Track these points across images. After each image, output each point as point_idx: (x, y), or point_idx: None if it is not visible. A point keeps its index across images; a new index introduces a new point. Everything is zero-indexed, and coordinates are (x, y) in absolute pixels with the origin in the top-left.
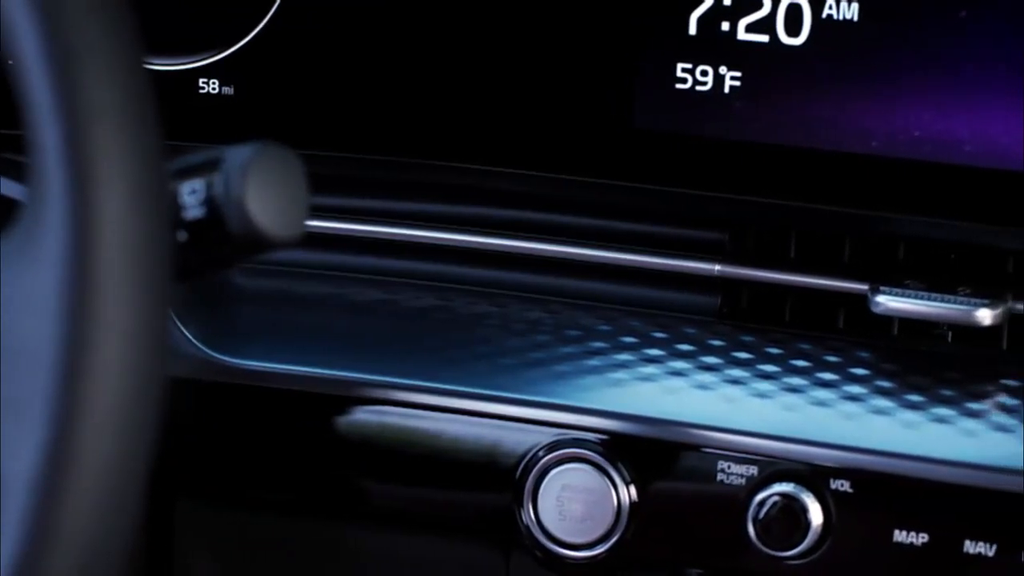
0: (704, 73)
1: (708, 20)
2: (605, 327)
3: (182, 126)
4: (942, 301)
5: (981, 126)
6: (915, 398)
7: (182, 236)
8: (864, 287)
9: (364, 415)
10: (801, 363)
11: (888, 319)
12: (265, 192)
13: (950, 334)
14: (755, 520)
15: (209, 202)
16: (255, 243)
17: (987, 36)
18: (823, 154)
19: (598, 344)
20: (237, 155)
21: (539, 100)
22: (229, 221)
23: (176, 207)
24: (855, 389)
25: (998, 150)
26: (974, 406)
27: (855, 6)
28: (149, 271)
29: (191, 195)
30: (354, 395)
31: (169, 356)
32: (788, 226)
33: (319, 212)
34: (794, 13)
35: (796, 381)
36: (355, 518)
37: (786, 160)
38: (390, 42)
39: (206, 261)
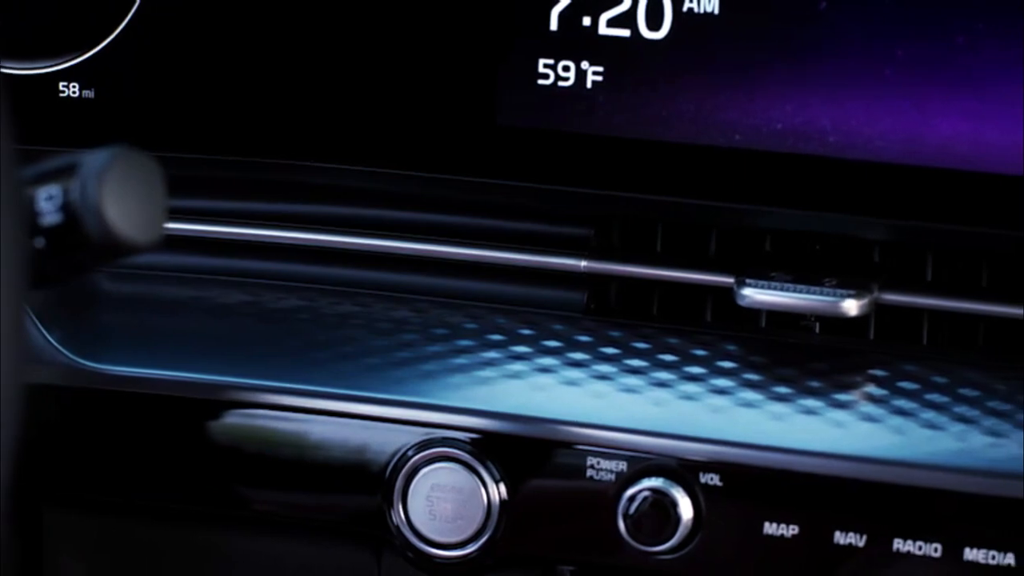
0: (566, 68)
1: (569, 15)
2: (472, 325)
3: (43, 130)
4: (808, 293)
5: (843, 117)
6: (783, 390)
7: (39, 242)
8: (730, 280)
9: (231, 418)
10: (669, 357)
11: (756, 311)
12: (122, 196)
13: (817, 325)
14: (625, 516)
15: (66, 208)
16: (114, 248)
17: (846, 27)
18: (687, 147)
19: (465, 342)
20: (94, 160)
21: (401, 98)
22: (87, 226)
23: (33, 213)
24: (723, 382)
25: (861, 141)
26: (842, 397)
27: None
28: (6, 278)
29: (48, 201)
30: (220, 399)
31: (30, 363)
32: (654, 220)
33: (179, 215)
34: (655, 7)
35: (664, 376)
36: (226, 521)
37: (650, 154)
38: (249, 42)
39: (65, 267)
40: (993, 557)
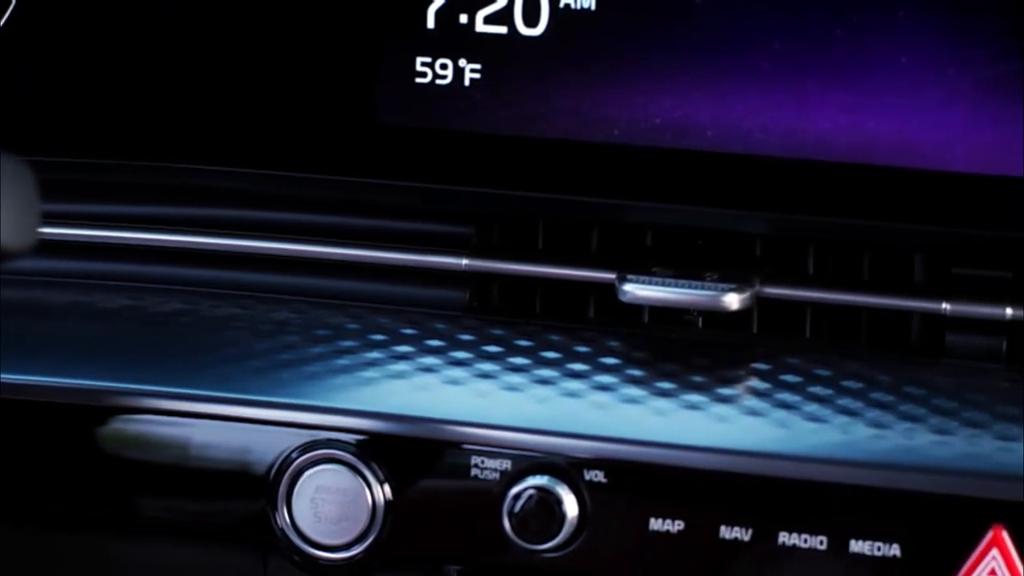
0: (444, 67)
1: (446, 13)
2: (354, 325)
3: None
4: (689, 288)
5: (722, 111)
6: (666, 385)
7: None
8: (612, 276)
9: (114, 424)
10: (552, 355)
11: (638, 307)
12: None
13: (700, 320)
14: (511, 514)
15: None
16: None
17: (723, 21)
18: (566, 144)
19: (347, 343)
20: None
21: (280, 99)
22: None
23: None
24: (606, 379)
25: (740, 134)
26: (725, 391)
27: None
28: None
29: None
30: (102, 404)
31: None
32: (535, 217)
33: (54, 219)
34: (532, 4)
35: (547, 373)
36: (111, 527)
37: (529, 151)
38: (123, 45)
39: None
40: (879, 548)
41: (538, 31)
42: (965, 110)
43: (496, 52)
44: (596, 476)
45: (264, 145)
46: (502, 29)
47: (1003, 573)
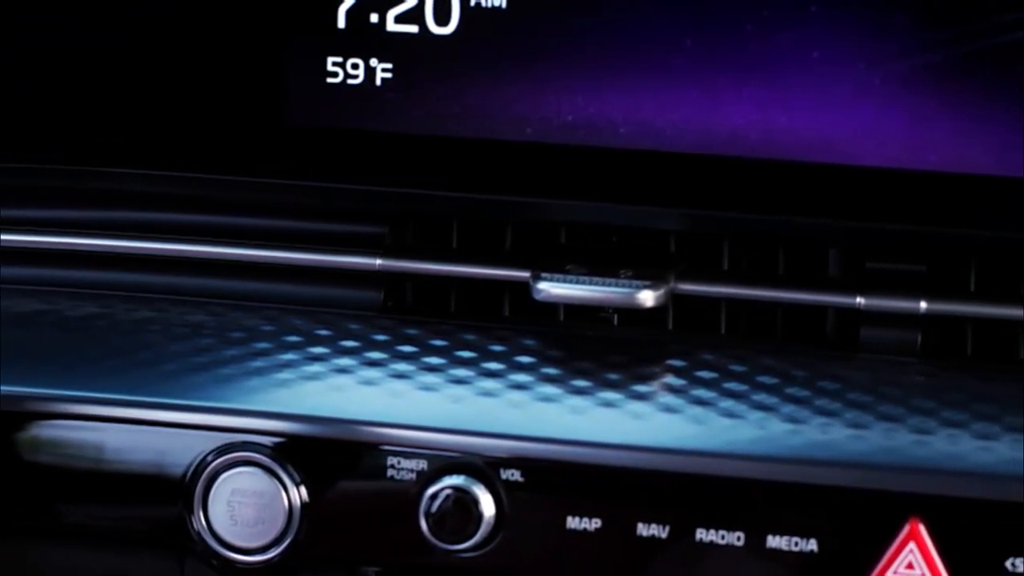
0: (355, 67)
1: (356, 13)
2: (268, 327)
3: None
4: (603, 285)
5: (634, 108)
6: (582, 383)
7: None
8: (526, 274)
9: (29, 430)
10: (467, 354)
11: (553, 305)
12: None
13: (615, 317)
14: (427, 514)
15: None
16: None
17: (634, 18)
18: (478, 142)
19: (262, 345)
20: None
21: (190, 101)
22: None
23: None
24: (521, 377)
25: (652, 131)
26: (640, 388)
27: None
28: None
29: None
30: (17, 410)
31: None
32: (449, 217)
33: None
34: (443, 2)
35: (462, 372)
36: (27, 532)
37: (442, 150)
38: (40, 50)
39: None
40: (796, 544)
41: (449, 30)
42: (876, 104)
43: (407, 51)
44: (513, 475)
45: (175, 147)
46: (413, 28)
47: (920, 566)
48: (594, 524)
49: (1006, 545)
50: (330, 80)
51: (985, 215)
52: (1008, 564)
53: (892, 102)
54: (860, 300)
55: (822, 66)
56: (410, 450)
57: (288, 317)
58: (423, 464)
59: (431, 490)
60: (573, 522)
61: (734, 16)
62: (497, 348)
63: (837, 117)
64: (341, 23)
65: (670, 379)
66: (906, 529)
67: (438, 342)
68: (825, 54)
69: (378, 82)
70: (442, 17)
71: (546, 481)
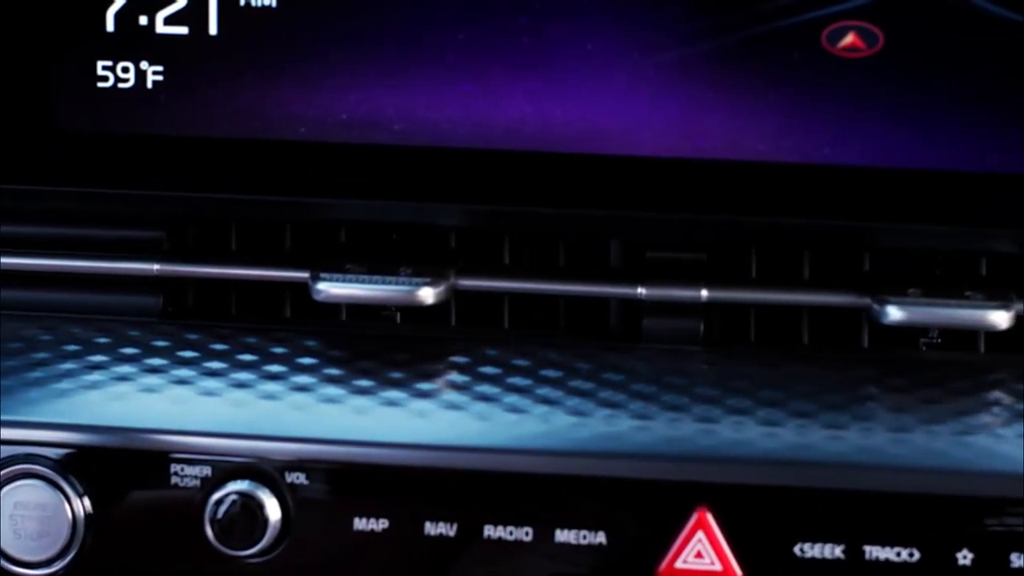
0: (125, 70)
1: (125, 15)
2: (47, 336)
3: None
4: (383, 283)
5: (408, 104)
6: (365, 383)
7: None
8: (305, 275)
9: None
10: (248, 357)
11: (336, 304)
12: None
13: (398, 315)
14: (213, 521)
15: None
16: None
17: (406, 13)
18: (253, 143)
19: (41, 355)
20: None
21: None
22: None
23: None
24: (304, 379)
25: (427, 127)
26: (424, 386)
27: None
28: None
29: None
30: None
31: None
32: (227, 219)
33: None
34: (212, 3)
35: (244, 376)
36: None
37: (217, 152)
38: None
39: None
40: (584, 537)
41: (219, 31)
42: (650, 94)
43: (178, 53)
44: (298, 478)
45: None
46: (183, 30)
47: (709, 555)
48: (381, 525)
49: (794, 531)
50: (101, 84)
51: (762, 202)
52: (797, 550)
53: (666, 92)
54: (641, 290)
55: (596, 57)
56: (193, 456)
57: (67, 326)
58: (207, 470)
59: (216, 496)
60: (360, 523)
61: (507, 9)
62: (279, 350)
63: (612, 108)
64: (110, 26)
65: (454, 376)
66: (694, 518)
67: (219, 346)
68: (599, 45)
69: (149, 85)
70: (212, 18)
71: (331, 483)
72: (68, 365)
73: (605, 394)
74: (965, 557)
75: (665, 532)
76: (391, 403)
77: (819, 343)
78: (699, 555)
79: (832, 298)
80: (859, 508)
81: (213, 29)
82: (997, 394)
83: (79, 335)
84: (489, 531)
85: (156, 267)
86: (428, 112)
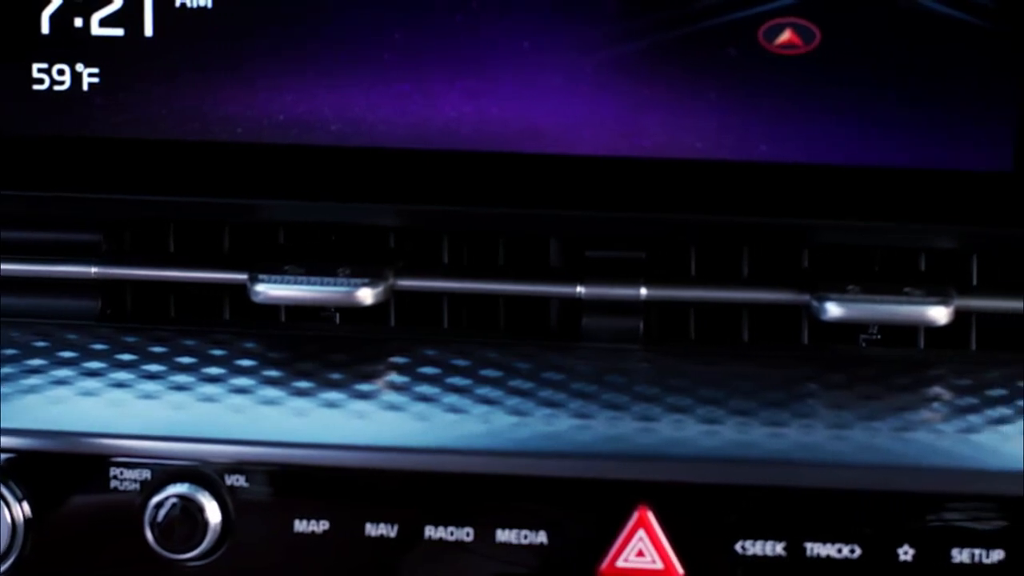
0: (61, 72)
1: (60, 17)
2: None
3: None
4: (322, 284)
5: (345, 105)
6: (304, 384)
7: None
8: (244, 276)
9: None
10: (187, 360)
11: (275, 306)
12: None
13: (338, 316)
14: (153, 524)
15: None
16: None
17: (342, 14)
18: (191, 145)
19: None
20: None
21: None
22: None
23: None
24: (243, 381)
25: (364, 127)
26: (364, 387)
27: None
28: None
29: None
30: None
31: None
32: (165, 221)
33: None
34: (148, 5)
35: (183, 379)
36: None
37: (154, 154)
38: None
39: None
40: (525, 537)
41: (155, 32)
42: (588, 93)
43: (114, 55)
44: (237, 481)
45: None
46: (118, 32)
47: (650, 552)
48: (322, 526)
49: (736, 528)
50: (36, 87)
51: (700, 199)
52: (738, 547)
53: (604, 90)
54: (581, 289)
55: (533, 56)
56: (133, 460)
57: (4, 330)
58: (146, 474)
59: (155, 500)
60: (301, 525)
61: (444, 8)
62: (218, 352)
63: (550, 107)
64: (45, 28)
65: (393, 376)
66: (634, 517)
67: (158, 349)
68: (535, 44)
69: (85, 87)
70: (148, 19)
71: (272, 485)
72: (6, 369)
73: (545, 393)
74: (906, 553)
75: (606, 531)
76: (331, 404)
77: (759, 340)
78: (640, 553)
79: (771, 295)
80: (800, 505)
81: (149, 30)
82: (936, 390)
83: (17, 339)
84: (430, 532)
85: (94, 270)
86: (365, 112)
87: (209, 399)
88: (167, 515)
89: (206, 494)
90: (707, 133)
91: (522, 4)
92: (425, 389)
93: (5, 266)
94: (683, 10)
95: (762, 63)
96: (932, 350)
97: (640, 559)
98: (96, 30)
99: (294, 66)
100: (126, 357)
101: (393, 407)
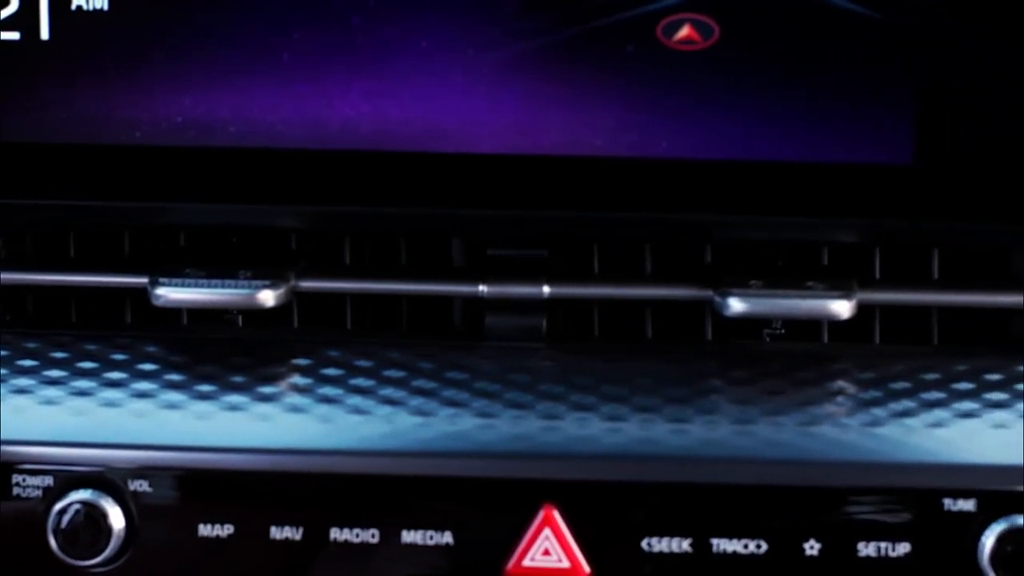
0: None
1: None
2: None
3: None
4: (223, 287)
5: (244, 106)
6: (206, 388)
7: None
8: (144, 280)
9: None
10: (89, 365)
11: (177, 309)
12: None
13: (240, 318)
14: (56, 531)
15: None
16: None
17: (240, 14)
18: (90, 148)
19: None
20: None
21: None
22: None
23: None
24: (145, 386)
25: (263, 128)
26: (266, 390)
27: None
28: None
29: None
30: None
31: None
32: (65, 226)
33: None
34: (44, 7)
35: (85, 384)
36: None
37: (53, 157)
38: None
39: None
40: (431, 537)
41: (51, 35)
42: (487, 91)
43: (10, 58)
44: (141, 486)
45: None
46: (14, 35)
47: (556, 551)
48: (227, 530)
49: (641, 526)
50: None
51: (601, 197)
52: (644, 544)
53: (503, 88)
54: (483, 288)
55: (431, 55)
56: (35, 466)
57: None
58: (49, 480)
59: (58, 506)
60: (205, 530)
61: (342, 8)
62: (119, 357)
63: (449, 105)
64: None
65: (296, 378)
66: (540, 516)
67: (59, 354)
68: (433, 43)
69: None
70: (43, 23)
71: (175, 490)
72: None
73: (449, 393)
74: (812, 547)
75: (512, 530)
76: (234, 407)
77: (663, 337)
78: (547, 552)
79: (674, 291)
80: (705, 501)
81: (45, 34)
82: (840, 383)
83: None
84: (335, 534)
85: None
86: (264, 113)
87: (111, 404)
88: (71, 522)
89: (109, 500)
90: (608, 130)
91: (419, 4)
92: (328, 391)
93: None
94: (582, 7)
95: (661, 59)
96: (836, 344)
97: (546, 558)
98: None
99: (192, 68)
100: (27, 363)
101: (296, 409)
